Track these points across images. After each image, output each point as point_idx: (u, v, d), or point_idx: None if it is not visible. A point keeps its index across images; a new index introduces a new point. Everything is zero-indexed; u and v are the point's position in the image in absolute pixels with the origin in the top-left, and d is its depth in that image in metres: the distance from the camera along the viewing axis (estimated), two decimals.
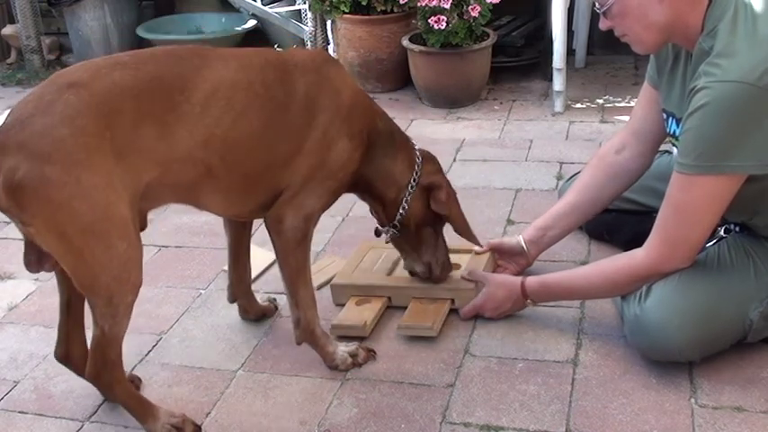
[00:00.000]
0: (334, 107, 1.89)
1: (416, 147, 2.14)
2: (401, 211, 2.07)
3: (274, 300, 2.31)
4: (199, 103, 1.68)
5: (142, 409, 1.81)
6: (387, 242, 2.19)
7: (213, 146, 1.71)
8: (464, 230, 2.18)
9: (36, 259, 1.70)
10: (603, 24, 1.87)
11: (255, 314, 2.26)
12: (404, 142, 2.11)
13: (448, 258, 2.21)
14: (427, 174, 2.10)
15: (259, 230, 2.71)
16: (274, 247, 1.94)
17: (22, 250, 2.46)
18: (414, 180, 2.07)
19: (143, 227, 1.85)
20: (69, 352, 1.90)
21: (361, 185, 2.05)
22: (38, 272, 1.75)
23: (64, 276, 1.80)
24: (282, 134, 1.83)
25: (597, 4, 1.84)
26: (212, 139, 1.70)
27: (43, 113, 1.52)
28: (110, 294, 1.64)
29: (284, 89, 1.83)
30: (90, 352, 1.76)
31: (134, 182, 1.63)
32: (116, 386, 1.78)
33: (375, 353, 2.06)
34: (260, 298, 2.31)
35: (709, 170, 1.73)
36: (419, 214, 2.10)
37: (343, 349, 2.02)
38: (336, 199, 2.02)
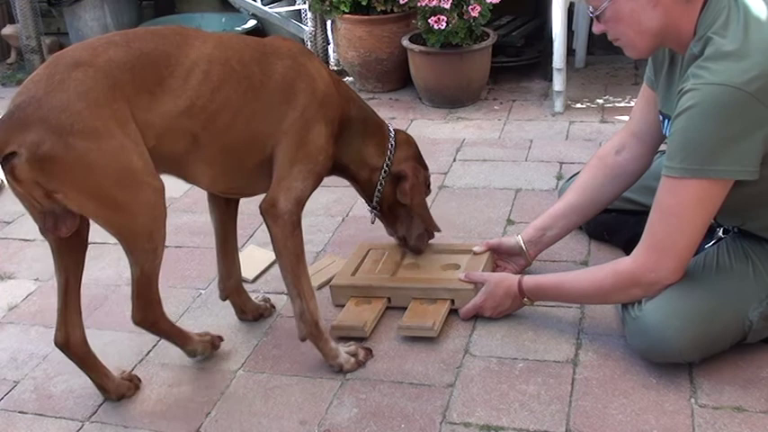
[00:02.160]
0: (311, 91, 1.98)
1: (392, 132, 2.25)
2: (377, 192, 2.21)
3: (269, 300, 2.31)
4: (181, 77, 1.81)
5: (183, 336, 2.05)
6: (372, 222, 2.33)
7: (196, 115, 1.83)
8: (425, 221, 2.34)
9: (53, 225, 1.79)
10: (597, 28, 1.88)
11: (252, 314, 2.26)
12: (377, 128, 2.22)
13: (424, 230, 2.35)
14: (398, 161, 2.23)
15: (259, 230, 2.72)
16: (271, 234, 1.96)
17: (22, 252, 2.47)
18: (387, 164, 2.20)
19: None
20: (68, 337, 1.93)
21: (338, 168, 2.16)
22: (54, 236, 1.82)
23: (62, 260, 1.89)
24: (260, 110, 1.92)
25: (591, 8, 1.84)
26: (194, 108, 1.82)
27: (58, 91, 1.66)
28: (150, 230, 1.79)
29: (261, 69, 1.93)
30: (133, 299, 1.87)
31: (141, 147, 1.76)
32: (160, 322, 1.94)
33: (371, 350, 2.07)
34: (258, 298, 2.32)
35: (695, 174, 1.72)
36: (390, 198, 2.24)
37: (344, 350, 2.04)
38: (320, 182, 2.06)
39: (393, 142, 2.22)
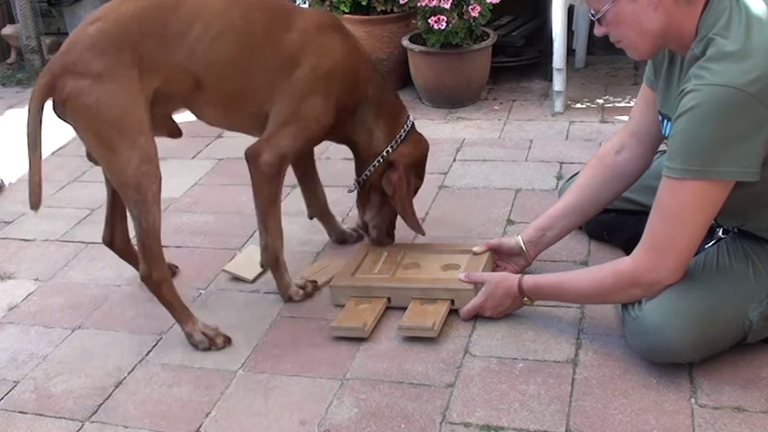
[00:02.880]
0: (311, 67, 2.13)
1: (409, 124, 2.37)
2: (367, 171, 2.34)
3: (357, 230, 2.56)
4: (185, 22, 2.03)
5: (184, 312, 2.14)
6: (349, 191, 2.47)
7: (196, 61, 2.04)
8: (403, 216, 2.37)
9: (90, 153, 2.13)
10: (599, 30, 1.88)
11: (336, 236, 2.58)
12: (392, 114, 2.35)
13: (389, 227, 2.45)
14: (400, 153, 2.32)
15: None
16: (251, 179, 2.18)
17: (22, 251, 2.46)
18: (388, 150, 2.31)
19: (176, 133, 2.23)
20: (113, 237, 2.32)
21: (342, 136, 2.33)
22: (94, 163, 2.16)
23: None
24: (258, 69, 2.11)
25: (592, 11, 1.85)
26: (194, 54, 2.04)
27: (76, 44, 1.99)
28: (137, 183, 1.98)
29: (266, 30, 2.12)
30: (139, 253, 2.09)
31: (146, 89, 1.99)
32: (163, 285, 2.11)
33: (317, 283, 2.33)
34: (264, 298, 2.32)
35: (696, 175, 1.72)
36: (375, 181, 2.35)
37: (296, 282, 2.30)
38: (312, 145, 2.32)
39: (404, 134, 2.32)
